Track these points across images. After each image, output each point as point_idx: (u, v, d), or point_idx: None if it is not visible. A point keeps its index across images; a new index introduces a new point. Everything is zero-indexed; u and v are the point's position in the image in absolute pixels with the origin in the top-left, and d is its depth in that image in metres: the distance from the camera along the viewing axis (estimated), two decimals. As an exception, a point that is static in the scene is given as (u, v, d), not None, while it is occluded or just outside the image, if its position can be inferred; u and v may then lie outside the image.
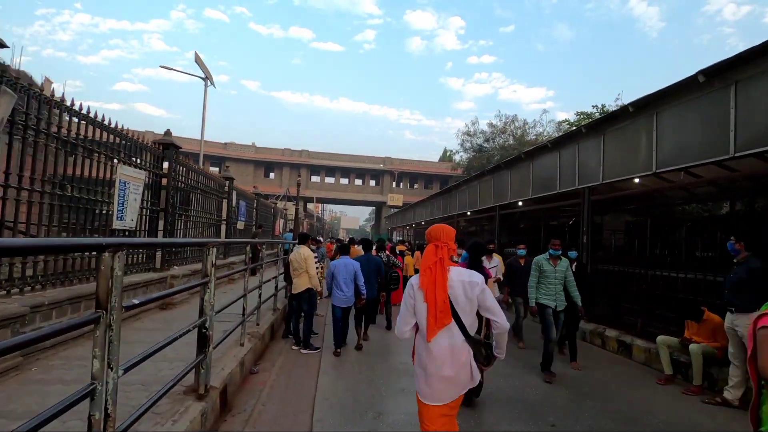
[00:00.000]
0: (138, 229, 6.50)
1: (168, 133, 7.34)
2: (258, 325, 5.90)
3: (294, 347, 6.06)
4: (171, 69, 14.02)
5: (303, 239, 6.51)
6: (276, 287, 7.30)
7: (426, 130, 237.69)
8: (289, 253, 7.80)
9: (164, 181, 7.20)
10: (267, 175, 43.04)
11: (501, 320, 2.33)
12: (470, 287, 2.30)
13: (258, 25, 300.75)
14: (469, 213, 15.49)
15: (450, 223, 17.50)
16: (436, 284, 2.27)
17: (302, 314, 6.18)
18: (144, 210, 6.67)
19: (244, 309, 4.86)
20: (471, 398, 4.01)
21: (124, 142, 5.91)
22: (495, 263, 6.50)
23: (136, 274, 6.22)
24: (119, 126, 5.71)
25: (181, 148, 7.60)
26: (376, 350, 6.14)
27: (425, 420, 2.34)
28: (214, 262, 3.42)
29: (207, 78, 13.68)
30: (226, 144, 41.12)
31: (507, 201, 11.09)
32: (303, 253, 6.10)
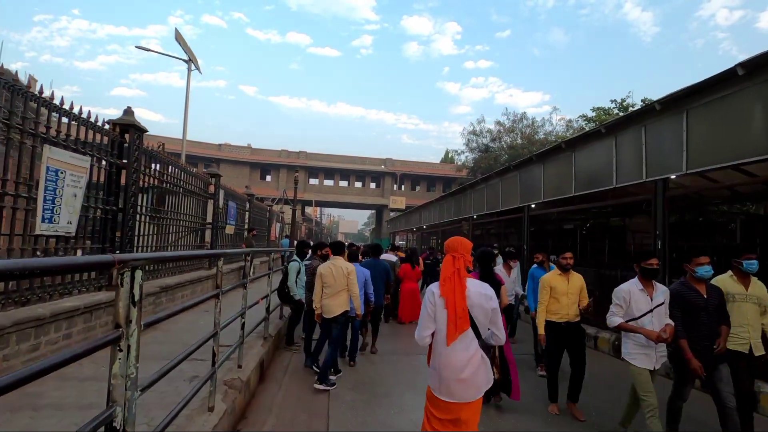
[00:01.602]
0: (82, 234, 4.90)
1: (128, 112, 5.73)
2: (240, 367, 4.26)
3: (318, 386, 4.63)
4: (148, 50, 12.41)
5: (338, 249, 5.18)
6: (268, 309, 5.68)
7: (423, 135, 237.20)
8: (287, 262, 6.29)
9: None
10: (263, 178, 41.43)
11: (501, 335, 2.57)
12: (486, 299, 2.49)
13: (255, 31, 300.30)
14: (475, 217, 13.94)
15: (466, 227, 15.93)
16: (455, 293, 2.44)
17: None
18: (94, 210, 5.06)
19: (214, 355, 3.24)
20: (499, 396, 4.30)
21: (54, 114, 4.30)
22: (661, 297, 3.49)
23: (75, 297, 4.58)
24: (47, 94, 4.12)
25: (147, 131, 5.99)
26: (401, 400, 4.51)
27: (431, 410, 2.50)
28: (137, 297, 1.82)
29: (190, 60, 12.07)
30: (220, 145, 39.51)
31: (540, 200, 9.50)
32: (344, 268, 4.92)
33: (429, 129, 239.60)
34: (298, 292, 6.00)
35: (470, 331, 2.43)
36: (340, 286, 4.84)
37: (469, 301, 2.44)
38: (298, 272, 5.96)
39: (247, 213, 14.05)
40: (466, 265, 2.54)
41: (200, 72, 12.62)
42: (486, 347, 2.57)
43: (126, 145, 5.60)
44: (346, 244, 11.03)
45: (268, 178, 41.64)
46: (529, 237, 10.18)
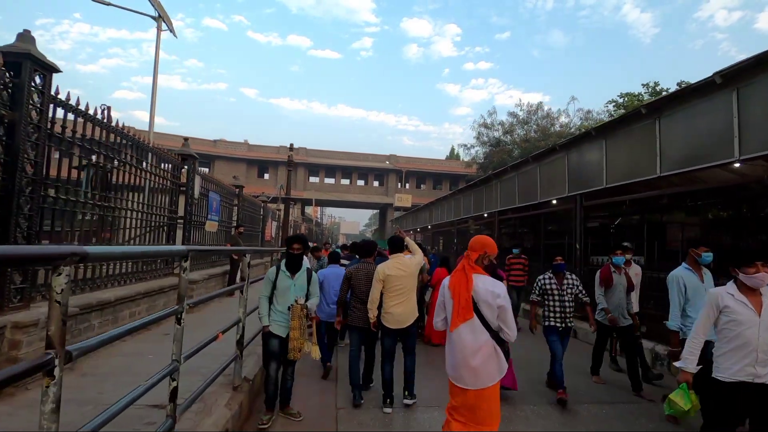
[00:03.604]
0: None
1: (25, 37, 3.71)
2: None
3: (386, 409, 4.02)
4: (108, 4, 10.28)
5: (398, 246, 4.35)
6: (241, 341, 3.64)
7: (424, 136, 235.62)
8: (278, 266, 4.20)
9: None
10: (261, 176, 39.42)
11: (512, 333, 2.60)
12: (492, 297, 2.58)
13: (256, 34, 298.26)
14: (485, 215, 11.89)
15: (490, 223, 13.87)
16: (460, 285, 2.63)
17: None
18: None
19: None
20: None
21: None
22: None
23: None
24: None
25: (59, 70, 3.97)
26: None
27: (451, 395, 2.70)
28: None
29: (160, 17, 10.01)
30: (215, 141, 37.50)
31: (602, 186, 7.46)
32: (412, 266, 4.29)
33: (430, 130, 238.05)
34: (268, 319, 3.62)
35: (477, 322, 2.56)
36: (411, 289, 4.24)
37: (476, 295, 2.58)
38: (274, 284, 3.66)
39: (235, 208, 12.04)
40: (483, 261, 2.69)
41: (175, 35, 10.61)
42: (500, 340, 2.61)
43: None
44: (349, 244, 8.98)
45: (266, 176, 39.59)
46: (582, 234, 8.13)
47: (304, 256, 8.67)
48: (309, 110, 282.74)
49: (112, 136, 5.36)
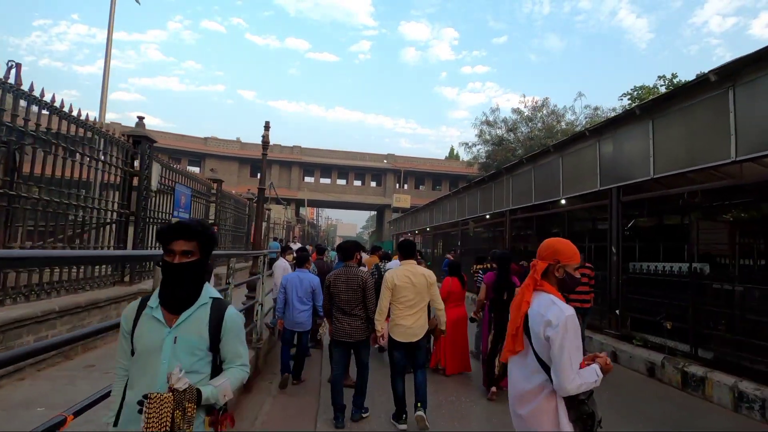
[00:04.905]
0: None
1: None
2: None
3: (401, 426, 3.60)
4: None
5: (409, 251, 4.05)
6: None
7: (422, 139, 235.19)
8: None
9: None
10: (254, 175, 37.94)
11: (557, 380, 1.71)
12: (539, 323, 1.80)
13: (254, 36, 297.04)
14: (482, 215, 10.51)
15: (499, 224, 12.51)
16: (516, 307, 1.96)
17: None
18: None
19: None
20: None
21: None
22: None
23: None
24: None
25: None
26: None
27: None
28: None
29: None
30: (206, 139, 36.06)
31: (648, 176, 6.12)
32: (426, 275, 3.92)
33: (427, 133, 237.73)
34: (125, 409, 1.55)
35: (532, 358, 1.83)
36: (423, 301, 3.91)
37: (530, 322, 1.85)
38: (135, 333, 1.55)
39: (212, 205, 10.62)
40: (556, 273, 1.91)
41: (138, 2, 9.30)
42: (572, 400, 1.75)
43: None
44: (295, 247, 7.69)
45: (260, 175, 38.23)
46: (620, 235, 6.76)
47: (285, 261, 7.12)
48: (307, 112, 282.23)
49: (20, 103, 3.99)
